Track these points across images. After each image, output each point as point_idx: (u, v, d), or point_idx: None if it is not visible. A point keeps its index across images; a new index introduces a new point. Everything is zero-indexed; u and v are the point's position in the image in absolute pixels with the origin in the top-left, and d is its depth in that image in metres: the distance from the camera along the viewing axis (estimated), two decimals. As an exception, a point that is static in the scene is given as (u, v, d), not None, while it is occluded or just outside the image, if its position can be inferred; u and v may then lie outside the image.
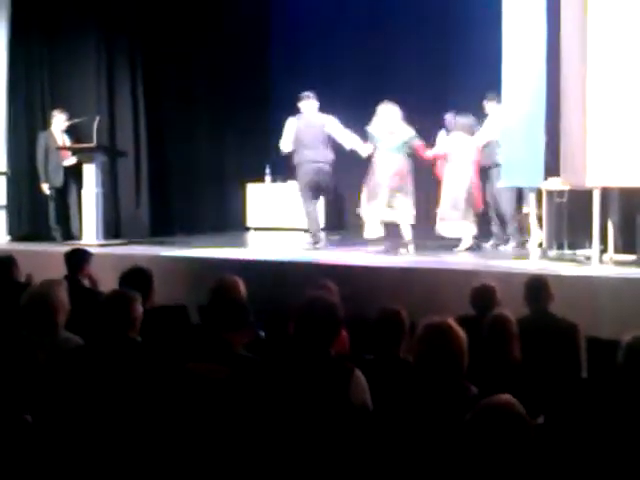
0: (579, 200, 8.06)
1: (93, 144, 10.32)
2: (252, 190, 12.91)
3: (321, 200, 10.31)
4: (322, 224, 10.25)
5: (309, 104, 9.70)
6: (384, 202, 9.40)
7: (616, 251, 8.01)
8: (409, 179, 9.44)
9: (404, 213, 9.41)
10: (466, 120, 9.61)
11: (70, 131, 10.90)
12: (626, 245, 7.99)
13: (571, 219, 8.30)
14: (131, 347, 4.00)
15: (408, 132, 9.46)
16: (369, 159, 9.55)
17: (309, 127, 9.62)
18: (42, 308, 4.28)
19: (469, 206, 9.49)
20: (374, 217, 9.51)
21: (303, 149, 9.62)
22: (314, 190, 9.76)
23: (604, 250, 7.90)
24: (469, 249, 9.44)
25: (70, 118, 10.81)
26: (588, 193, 7.64)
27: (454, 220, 9.49)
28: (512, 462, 2.48)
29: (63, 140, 10.84)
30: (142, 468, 2.60)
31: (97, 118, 10.49)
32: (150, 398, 3.17)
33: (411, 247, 9.40)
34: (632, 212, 7.78)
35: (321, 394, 3.44)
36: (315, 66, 12.43)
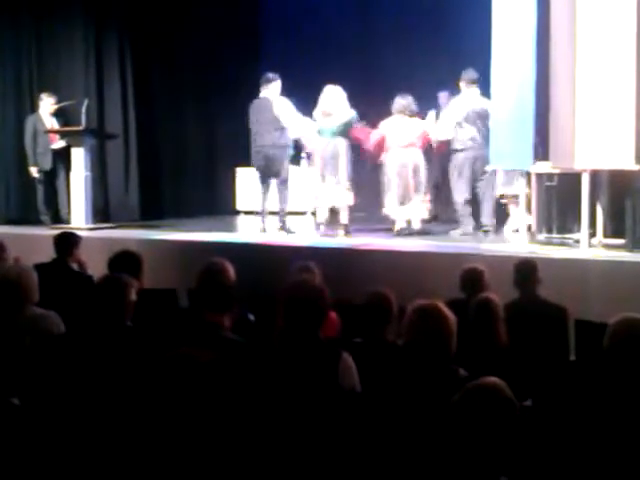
0: (568, 184, 8.06)
1: (81, 127, 10.28)
2: (242, 174, 12.86)
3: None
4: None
5: (267, 88, 9.59)
6: (324, 186, 9.42)
7: (605, 235, 8.03)
8: (347, 162, 9.32)
9: (337, 196, 9.37)
10: (404, 101, 9.31)
11: (58, 114, 10.86)
12: (615, 229, 8.00)
13: (560, 203, 8.30)
14: (123, 332, 3.99)
15: (346, 114, 9.26)
16: None
17: (258, 111, 9.59)
18: (10, 288, 4.39)
19: (412, 190, 9.23)
20: (321, 202, 9.56)
21: (255, 133, 9.62)
22: (263, 175, 9.73)
23: (593, 234, 7.91)
24: (399, 233, 9.21)
25: (58, 101, 10.76)
26: (577, 177, 7.65)
27: (401, 204, 9.28)
28: (499, 445, 2.49)
29: (51, 123, 10.79)
30: (128, 452, 2.60)
31: (85, 101, 10.44)
32: (139, 383, 3.17)
33: (341, 231, 9.38)
34: (621, 196, 7.77)
35: (310, 377, 3.44)
36: (306, 47, 12.36)
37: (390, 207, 9.35)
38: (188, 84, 12.36)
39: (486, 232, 9.31)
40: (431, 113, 9.60)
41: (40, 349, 3.83)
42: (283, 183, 9.72)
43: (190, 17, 12.16)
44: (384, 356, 3.84)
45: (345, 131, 9.28)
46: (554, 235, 8.34)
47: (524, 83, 7.85)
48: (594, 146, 7.40)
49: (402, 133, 9.26)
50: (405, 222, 9.32)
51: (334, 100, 9.29)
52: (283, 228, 9.69)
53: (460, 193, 9.37)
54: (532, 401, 3.66)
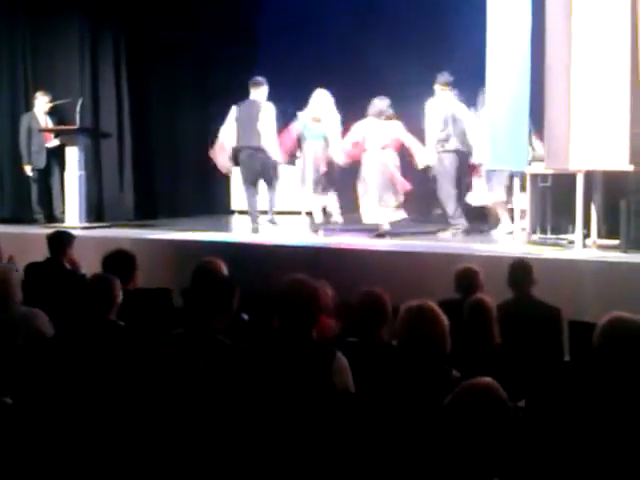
0: (563, 184, 8.07)
1: (76, 126, 10.27)
2: (236, 173, 12.82)
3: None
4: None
5: (257, 90, 9.69)
6: (311, 188, 9.52)
7: (599, 236, 8.03)
8: (333, 165, 9.46)
9: (326, 199, 9.54)
10: (380, 104, 9.26)
11: (53, 113, 10.85)
12: (609, 230, 8.00)
13: (555, 203, 8.31)
14: (111, 329, 4.00)
15: (331, 120, 9.40)
16: None
17: (247, 113, 9.65)
18: None
19: (387, 192, 9.18)
20: (310, 203, 9.67)
21: (241, 134, 9.66)
22: (250, 175, 9.77)
23: (587, 234, 7.92)
24: (379, 235, 9.14)
25: (53, 100, 10.75)
26: (572, 177, 7.66)
27: (370, 206, 9.24)
28: (492, 445, 2.48)
29: (46, 122, 10.79)
30: (120, 451, 2.60)
31: (80, 100, 10.43)
32: (129, 380, 3.17)
33: (320, 231, 9.50)
34: (616, 197, 7.78)
35: (303, 377, 3.43)
36: (303, 49, 12.33)
37: (368, 210, 9.31)
38: (183, 83, 12.34)
39: (455, 233, 9.23)
40: None
41: (31, 348, 3.82)
42: (272, 186, 9.85)
43: (187, 16, 12.13)
44: (378, 356, 3.84)
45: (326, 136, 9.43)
46: (548, 236, 8.35)
47: (519, 84, 7.85)
48: (589, 147, 7.41)
49: (377, 136, 9.25)
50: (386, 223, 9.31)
51: (323, 105, 9.42)
52: (272, 222, 9.87)
53: (447, 194, 9.36)
54: (526, 402, 3.66)
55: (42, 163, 10.69)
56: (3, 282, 4.49)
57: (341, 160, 9.42)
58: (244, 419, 3.25)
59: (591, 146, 7.40)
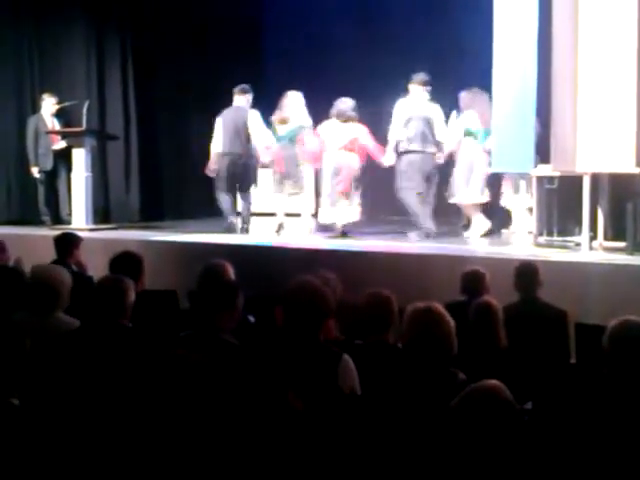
0: (569, 187, 8.06)
1: (83, 128, 10.28)
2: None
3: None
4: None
5: (242, 97, 9.79)
6: (279, 190, 9.67)
7: (606, 238, 8.02)
8: (300, 168, 9.60)
9: (301, 201, 9.67)
10: (340, 105, 9.28)
11: (60, 115, 10.87)
12: (616, 232, 8.00)
13: (561, 206, 8.30)
14: (121, 333, 4.00)
15: (299, 122, 9.50)
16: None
17: (231, 119, 9.75)
18: (45, 289, 4.37)
19: (340, 193, 9.19)
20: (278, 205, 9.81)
21: (226, 140, 9.75)
22: (228, 181, 9.80)
23: (594, 237, 7.91)
24: (342, 235, 9.21)
25: (60, 102, 10.77)
26: (578, 179, 7.66)
27: (327, 207, 9.29)
28: (499, 447, 2.48)
29: (53, 124, 10.80)
30: (128, 453, 2.60)
31: (87, 102, 10.45)
32: (138, 383, 3.17)
33: (310, 230, 9.62)
34: (622, 199, 7.77)
35: (310, 379, 3.43)
36: (307, 54, 12.35)
37: (322, 210, 9.40)
38: (190, 85, 12.35)
39: (420, 235, 9.08)
40: (453, 114, 9.58)
41: (40, 350, 3.83)
42: (247, 191, 9.95)
43: (193, 19, 12.16)
44: (384, 358, 3.84)
45: (295, 138, 9.54)
46: (555, 238, 8.34)
47: (525, 86, 7.86)
48: (595, 149, 7.42)
49: (335, 137, 9.28)
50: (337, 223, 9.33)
51: (292, 107, 9.52)
52: (246, 230, 9.88)
53: (410, 195, 9.24)
54: (532, 404, 3.66)
55: (49, 165, 10.71)
56: (49, 286, 4.39)
57: (311, 163, 9.61)
58: (250, 419, 3.25)
59: (598, 148, 7.40)
